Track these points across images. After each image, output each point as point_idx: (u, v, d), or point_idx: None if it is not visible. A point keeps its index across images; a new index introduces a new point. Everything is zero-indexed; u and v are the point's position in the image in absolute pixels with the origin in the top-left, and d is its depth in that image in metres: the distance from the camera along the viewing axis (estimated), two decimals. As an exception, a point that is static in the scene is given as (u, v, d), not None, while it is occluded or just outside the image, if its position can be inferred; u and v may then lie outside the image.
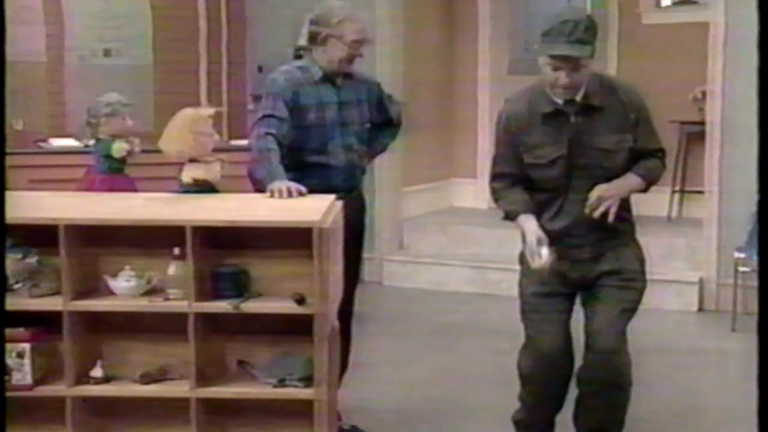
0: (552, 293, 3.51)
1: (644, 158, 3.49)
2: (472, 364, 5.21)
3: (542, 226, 3.44)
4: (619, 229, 3.48)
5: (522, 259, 3.55)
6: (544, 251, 3.35)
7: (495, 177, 3.57)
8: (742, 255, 5.77)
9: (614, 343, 3.45)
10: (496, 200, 3.59)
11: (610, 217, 3.36)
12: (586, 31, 3.29)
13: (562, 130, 3.41)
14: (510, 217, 3.52)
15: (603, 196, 3.37)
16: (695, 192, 7.18)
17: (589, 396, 3.53)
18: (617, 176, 3.42)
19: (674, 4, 8.17)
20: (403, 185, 7.57)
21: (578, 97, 3.39)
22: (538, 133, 3.44)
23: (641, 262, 3.58)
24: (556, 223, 3.47)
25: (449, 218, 7.93)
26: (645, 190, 3.53)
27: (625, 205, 3.51)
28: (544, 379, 3.57)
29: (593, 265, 3.49)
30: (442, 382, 4.90)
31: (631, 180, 3.46)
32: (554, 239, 3.42)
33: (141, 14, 7.30)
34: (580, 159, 3.41)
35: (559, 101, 3.40)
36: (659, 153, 3.55)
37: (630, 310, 3.51)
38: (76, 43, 7.02)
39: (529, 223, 3.43)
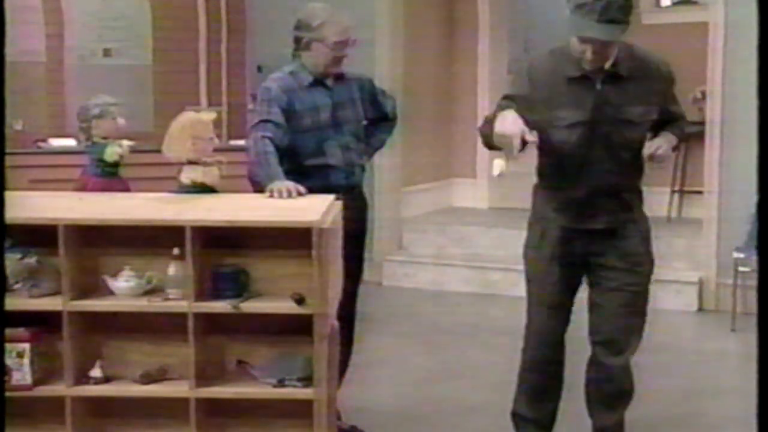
0: (554, 264, 3.45)
1: (670, 122, 3.47)
2: (472, 364, 5.21)
3: (560, 194, 3.40)
4: (628, 201, 3.43)
5: (529, 227, 3.53)
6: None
7: (497, 107, 3.39)
8: (742, 255, 5.77)
9: (620, 345, 3.44)
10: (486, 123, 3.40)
11: (659, 151, 3.31)
12: (620, 10, 3.14)
13: (586, 96, 3.29)
14: (487, 137, 3.33)
15: (659, 145, 3.34)
16: (695, 192, 7.17)
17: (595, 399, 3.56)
18: (637, 149, 3.34)
19: (674, 4, 8.16)
20: (403, 185, 7.56)
21: (606, 65, 3.28)
22: (560, 93, 3.31)
23: (647, 240, 3.50)
24: (574, 192, 3.38)
25: (449, 218, 7.93)
26: (676, 148, 3.55)
27: (639, 175, 3.47)
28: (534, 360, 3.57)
29: (602, 241, 3.41)
30: (442, 382, 4.90)
31: (670, 137, 3.44)
32: (571, 208, 3.39)
33: (141, 14, 7.30)
34: (602, 127, 3.30)
35: (587, 66, 3.28)
36: (682, 118, 3.55)
37: (636, 305, 3.44)
38: (76, 43, 7.02)
39: (509, 113, 3.20)
